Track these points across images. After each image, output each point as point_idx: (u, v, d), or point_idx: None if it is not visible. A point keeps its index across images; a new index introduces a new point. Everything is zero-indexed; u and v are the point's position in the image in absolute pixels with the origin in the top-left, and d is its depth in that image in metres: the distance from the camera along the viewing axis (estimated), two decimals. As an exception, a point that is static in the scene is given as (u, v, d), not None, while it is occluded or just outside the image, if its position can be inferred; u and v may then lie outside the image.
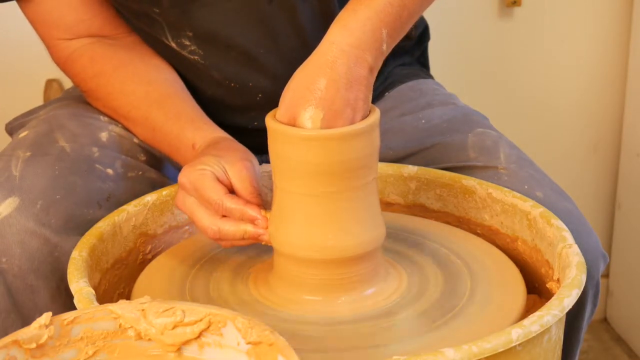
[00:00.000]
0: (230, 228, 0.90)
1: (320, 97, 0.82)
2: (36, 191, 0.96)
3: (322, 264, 0.85)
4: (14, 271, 0.94)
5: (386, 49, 0.88)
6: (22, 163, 0.99)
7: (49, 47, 1.13)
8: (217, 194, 0.90)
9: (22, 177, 0.97)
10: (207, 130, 1.04)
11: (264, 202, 0.92)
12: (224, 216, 0.90)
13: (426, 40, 1.33)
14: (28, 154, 1.01)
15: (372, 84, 0.87)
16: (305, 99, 0.83)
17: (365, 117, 0.85)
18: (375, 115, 0.85)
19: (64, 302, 0.96)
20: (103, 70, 1.09)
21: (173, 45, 1.09)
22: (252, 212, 0.89)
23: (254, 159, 0.95)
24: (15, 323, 0.95)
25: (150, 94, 1.08)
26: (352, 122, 0.83)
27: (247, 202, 0.90)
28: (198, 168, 0.91)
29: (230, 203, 0.89)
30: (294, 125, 0.83)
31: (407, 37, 1.28)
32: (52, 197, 0.97)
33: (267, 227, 0.88)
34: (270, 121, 0.85)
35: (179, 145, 1.04)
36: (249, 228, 0.89)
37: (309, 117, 0.82)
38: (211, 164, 0.92)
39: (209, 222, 0.90)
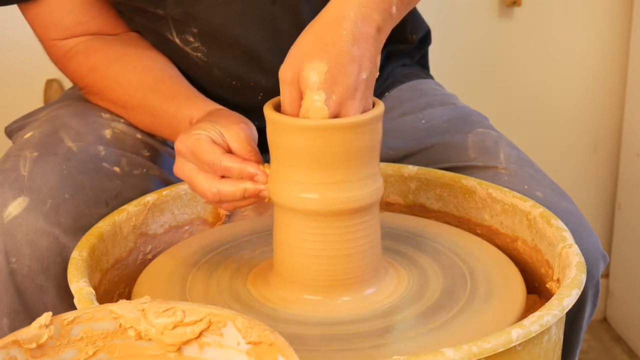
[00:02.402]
0: (230, 188, 0.89)
1: (325, 51, 0.82)
2: (45, 191, 0.97)
3: (322, 216, 0.84)
4: (24, 271, 0.94)
5: (396, 12, 0.88)
6: (30, 163, 0.99)
7: (46, 47, 1.14)
8: (215, 154, 0.89)
9: (31, 177, 0.97)
10: (203, 105, 1.04)
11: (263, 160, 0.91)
12: (223, 177, 0.90)
13: (427, 45, 1.33)
14: (35, 153, 1.01)
15: (381, 45, 0.86)
16: (311, 53, 0.83)
17: (372, 77, 0.85)
18: (379, 108, 0.85)
19: (72, 302, 0.96)
20: (98, 64, 1.10)
21: (177, 41, 1.10)
22: (251, 168, 0.88)
23: (250, 123, 0.95)
24: (24, 323, 0.95)
25: (144, 81, 1.08)
26: (357, 79, 0.83)
27: (245, 159, 0.89)
28: (194, 133, 0.91)
29: (228, 162, 0.89)
30: (298, 78, 0.83)
31: (407, 41, 1.28)
32: (61, 197, 0.97)
33: (266, 182, 0.88)
34: (268, 111, 0.85)
35: (177, 124, 1.04)
36: (249, 185, 0.88)
37: (313, 69, 0.82)
38: (207, 128, 0.92)
39: (207, 185, 0.90)
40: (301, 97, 0.83)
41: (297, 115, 0.84)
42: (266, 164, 0.89)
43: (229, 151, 0.91)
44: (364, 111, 0.84)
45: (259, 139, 0.95)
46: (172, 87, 1.07)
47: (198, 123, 0.94)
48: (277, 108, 0.86)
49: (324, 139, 0.82)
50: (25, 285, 0.95)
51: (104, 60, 1.10)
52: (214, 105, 1.04)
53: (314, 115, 0.82)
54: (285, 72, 0.84)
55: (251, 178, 0.88)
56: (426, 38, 1.32)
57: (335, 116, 0.83)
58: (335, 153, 0.82)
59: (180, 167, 0.92)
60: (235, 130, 0.91)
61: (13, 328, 0.95)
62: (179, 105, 1.04)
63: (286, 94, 0.84)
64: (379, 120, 0.84)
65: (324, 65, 0.82)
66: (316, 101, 0.82)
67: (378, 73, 0.87)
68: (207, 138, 0.90)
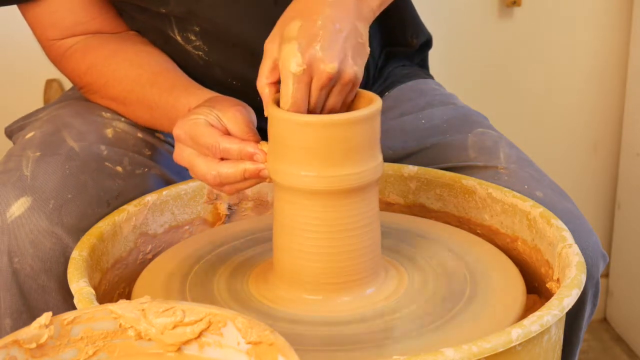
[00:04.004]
0: (230, 169, 0.89)
1: (301, 13, 0.86)
2: (48, 191, 0.97)
3: (321, 194, 0.84)
4: (26, 271, 0.94)
5: None
6: (33, 163, 0.99)
7: (44, 47, 1.14)
8: (213, 136, 0.89)
9: (34, 177, 0.97)
10: (201, 94, 1.03)
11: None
12: (223, 160, 0.90)
13: (427, 49, 1.33)
14: (38, 153, 1.01)
15: (363, 15, 0.88)
16: (290, 18, 0.86)
17: (352, 38, 0.86)
18: (377, 104, 0.85)
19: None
20: (95, 61, 1.10)
21: (178, 38, 1.10)
22: (250, 147, 0.88)
23: (247, 106, 0.95)
24: (27, 323, 0.94)
25: (142, 76, 1.08)
26: (332, 32, 0.84)
27: (244, 140, 0.89)
28: (191, 118, 0.91)
29: (226, 143, 0.89)
30: (281, 39, 0.85)
31: (408, 44, 1.28)
32: (64, 197, 0.97)
33: (266, 161, 0.87)
34: (269, 107, 0.85)
35: (176, 115, 1.03)
36: (248, 165, 0.88)
37: (290, 27, 0.85)
38: (204, 113, 0.92)
39: (207, 168, 0.89)
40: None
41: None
42: (263, 142, 0.89)
43: (227, 134, 0.91)
44: (345, 65, 0.85)
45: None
46: (169, 79, 1.08)
47: (195, 108, 0.94)
48: (279, 103, 0.86)
49: (323, 134, 0.82)
50: (28, 285, 0.95)
51: (101, 57, 1.10)
52: (212, 94, 1.04)
53: (288, 63, 0.83)
54: (269, 44, 0.87)
55: (250, 158, 0.88)
56: (427, 44, 1.33)
57: (310, 65, 0.83)
58: (334, 147, 0.82)
59: (180, 153, 0.92)
60: (233, 113, 0.91)
61: (16, 328, 0.95)
62: (177, 97, 1.05)
63: (267, 63, 0.87)
64: (377, 116, 0.85)
65: (298, 22, 0.84)
66: (290, 50, 0.83)
67: (367, 46, 0.88)
68: (204, 122, 0.90)
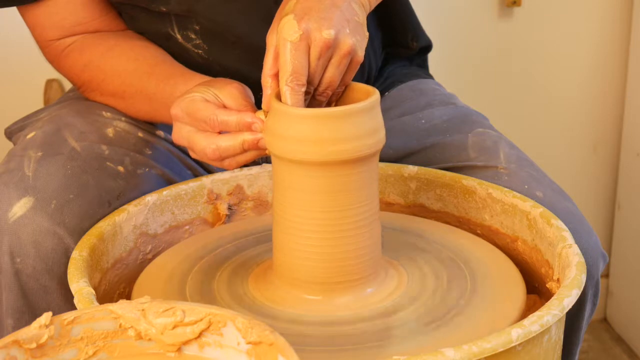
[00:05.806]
0: (229, 142, 0.89)
1: None
2: (50, 191, 0.97)
3: (320, 166, 0.83)
4: (28, 271, 0.94)
5: None
6: (35, 163, 0.99)
7: (42, 48, 1.14)
8: (210, 109, 0.89)
9: (36, 177, 0.97)
10: (199, 80, 1.04)
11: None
12: (221, 133, 0.90)
13: (427, 52, 1.34)
14: (40, 153, 1.01)
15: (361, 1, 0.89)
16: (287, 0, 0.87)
17: (349, 13, 0.87)
18: (375, 96, 0.85)
19: None
20: (92, 58, 1.10)
21: (178, 37, 1.10)
22: (248, 117, 0.88)
23: (244, 85, 0.95)
24: (29, 323, 0.95)
25: (139, 68, 1.09)
26: (327, 7, 0.85)
27: (241, 110, 0.90)
28: (187, 96, 0.92)
29: (224, 115, 0.89)
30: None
31: (408, 46, 1.29)
32: (65, 197, 0.97)
33: (264, 130, 0.87)
34: (272, 101, 0.85)
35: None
36: (247, 136, 0.88)
37: (287, 6, 0.86)
38: (201, 91, 0.92)
39: (206, 142, 0.90)
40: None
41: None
42: (260, 111, 0.89)
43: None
44: (342, 35, 0.85)
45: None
46: (166, 69, 1.08)
47: (192, 88, 0.95)
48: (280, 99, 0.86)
49: (322, 126, 0.82)
50: (30, 285, 0.95)
51: (98, 53, 1.10)
52: (208, 78, 1.04)
53: (285, 31, 0.84)
54: (270, 36, 0.87)
55: (249, 127, 0.88)
56: (427, 48, 1.33)
57: (307, 32, 0.84)
58: (334, 139, 0.82)
59: (178, 132, 0.92)
60: (229, 90, 0.92)
61: (17, 328, 0.95)
62: (174, 85, 1.05)
63: (269, 55, 0.87)
64: (376, 107, 0.85)
65: (295, 1, 0.86)
66: (286, 21, 0.84)
67: (365, 29, 0.88)
68: (201, 98, 0.91)
